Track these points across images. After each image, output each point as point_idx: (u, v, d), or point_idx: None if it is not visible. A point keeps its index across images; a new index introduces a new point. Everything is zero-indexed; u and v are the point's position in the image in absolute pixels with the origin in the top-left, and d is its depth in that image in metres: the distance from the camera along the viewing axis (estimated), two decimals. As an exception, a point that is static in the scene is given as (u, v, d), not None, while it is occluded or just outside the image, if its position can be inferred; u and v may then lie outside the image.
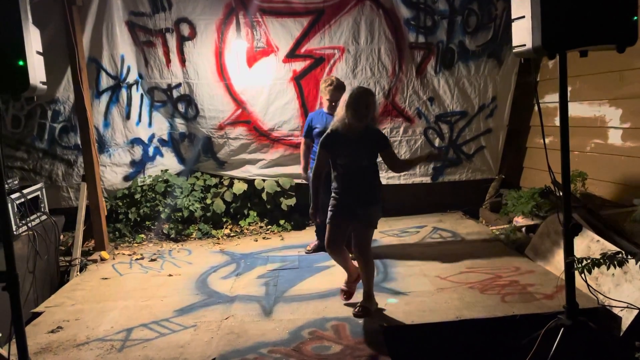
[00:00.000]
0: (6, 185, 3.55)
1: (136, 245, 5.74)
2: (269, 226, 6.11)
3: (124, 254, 5.40)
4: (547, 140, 2.96)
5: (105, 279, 4.69)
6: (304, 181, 6.18)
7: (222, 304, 3.93)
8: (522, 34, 2.55)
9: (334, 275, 4.46)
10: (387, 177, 6.21)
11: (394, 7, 5.87)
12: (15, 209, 4.20)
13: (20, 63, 2.31)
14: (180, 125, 6.12)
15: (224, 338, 3.34)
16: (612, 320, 3.32)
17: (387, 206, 5.81)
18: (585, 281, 2.76)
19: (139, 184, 6.02)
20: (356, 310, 3.58)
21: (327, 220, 3.62)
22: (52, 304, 4.14)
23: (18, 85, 2.35)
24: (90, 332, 3.56)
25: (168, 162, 6.22)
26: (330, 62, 5.95)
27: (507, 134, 6.35)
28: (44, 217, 4.64)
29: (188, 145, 6.19)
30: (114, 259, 5.29)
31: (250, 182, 6.18)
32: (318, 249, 5.04)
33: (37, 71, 2.40)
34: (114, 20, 5.58)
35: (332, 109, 4.60)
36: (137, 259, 5.21)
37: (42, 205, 4.75)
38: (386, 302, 3.59)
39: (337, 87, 4.62)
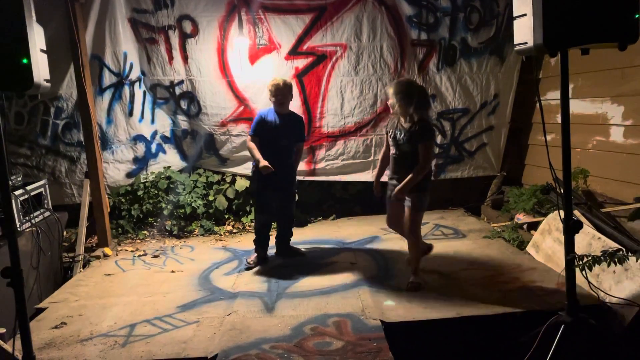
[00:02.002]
0: (10, 182, 3.57)
1: (139, 241, 5.76)
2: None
3: (126, 251, 5.43)
4: (549, 138, 2.98)
5: (109, 275, 4.71)
6: (305, 178, 6.22)
7: (225, 300, 3.96)
8: (524, 32, 2.55)
9: (336, 271, 4.48)
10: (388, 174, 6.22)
11: (396, 4, 5.87)
12: (19, 206, 4.22)
13: (24, 61, 2.33)
14: (183, 122, 6.13)
15: (226, 334, 3.36)
16: (613, 317, 3.33)
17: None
18: (586, 278, 2.77)
19: (142, 181, 6.05)
20: (408, 285, 3.97)
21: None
22: (55, 299, 4.17)
23: (22, 83, 2.37)
24: (94, 327, 3.59)
25: (170, 159, 6.24)
26: (332, 59, 5.95)
27: (509, 131, 6.35)
28: (47, 214, 4.67)
29: (190, 142, 6.21)
30: (116, 255, 5.31)
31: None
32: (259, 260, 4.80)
33: (41, 69, 2.42)
34: (117, 18, 5.59)
35: (278, 105, 4.53)
36: (139, 255, 5.24)
37: (46, 201, 4.78)
38: (384, 304, 3.63)
39: (278, 87, 4.48)
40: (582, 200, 4.69)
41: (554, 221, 4.46)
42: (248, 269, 4.65)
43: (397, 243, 5.09)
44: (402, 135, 3.83)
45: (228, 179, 6.24)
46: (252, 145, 4.55)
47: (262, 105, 5.96)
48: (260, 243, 4.82)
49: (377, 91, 6.02)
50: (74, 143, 5.81)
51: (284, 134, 4.57)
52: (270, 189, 4.62)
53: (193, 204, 5.96)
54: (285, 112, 4.59)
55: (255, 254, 4.81)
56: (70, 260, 4.97)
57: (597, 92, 5.02)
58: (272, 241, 4.98)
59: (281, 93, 4.48)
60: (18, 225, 4.15)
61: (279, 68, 5.91)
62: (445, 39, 6.01)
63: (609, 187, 4.87)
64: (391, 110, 3.94)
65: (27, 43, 2.32)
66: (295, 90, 5.94)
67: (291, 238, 5.00)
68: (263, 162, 4.39)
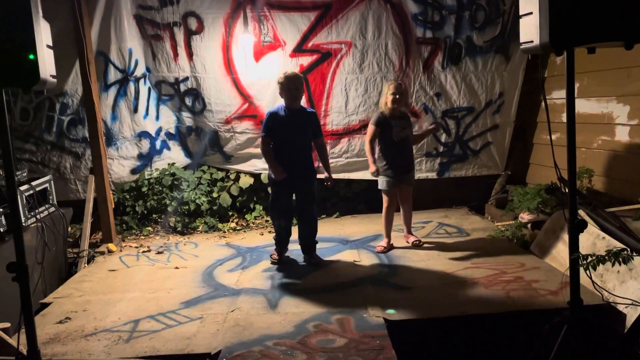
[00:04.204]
0: (15, 178, 3.58)
1: (143, 237, 5.78)
2: (275, 220, 6.14)
3: (131, 247, 5.45)
4: (554, 137, 2.96)
5: (113, 270, 4.74)
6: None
7: (228, 297, 3.97)
8: (530, 30, 2.54)
9: (339, 269, 4.49)
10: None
11: (401, 1, 5.85)
12: (24, 201, 4.24)
13: (31, 57, 2.33)
14: (187, 119, 6.14)
15: (229, 330, 3.38)
16: (617, 317, 3.32)
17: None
18: (590, 278, 2.76)
19: (146, 177, 6.06)
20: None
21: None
22: (60, 295, 4.20)
23: (28, 79, 2.36)
24: (98, 323, 3.61)
25: (175, 156, 6.25)
26: (337, 56, 5.95)
27: (514, 130, 6.33)
28: (52, 209, 4.69)
29: (195, 139, 6.22)
30: (121, 251, 5.33)
31: (256, 176, 6.20)
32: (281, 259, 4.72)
33: (47, 65, 2.42)
34: (122, 14, 5.60)
35: (291, 100, 4.39)
36: (144, 252, 5.26)
37: (51, 197, 4.79)
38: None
39: (291, 79, 4.35)
40: (586, 199, 4.67)
41: (558, 220, 4.45)
42: (273, 263, 4.65)
43: (400, 241, 5.09)
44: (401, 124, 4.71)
45: (232, 176, 6.25)
46: (267, 151, 4.44)
47: (267, 102, 5.97)
48: (280, 242, 4.70)
49: (381, 89, 5.99)
50: (79, 139, 5.83)
51: (298, 131, 4.41)
52: (288, 191, 4.53)
53: (197, 201, 5.97)
54: (297, 107, 4.42)
55: (276, 252, 4.71)
56: (75, 255, 5.00)
57: (602, 92, 5.00)
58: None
59: (295, 86, 4.32)
60: (23, 221, 4.17)
61: (283, 65, 5.90)
62: (450, 37, 5.99)
63: (614, 187, 4.85)
64: (395, 105, 4.62)
65: (33, 39, 2.33)
66: (300, 88, 5.96)
67: (315, 245, 4.71)
68: (278, 173, 4.39)
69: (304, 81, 5.89)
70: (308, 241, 4.67)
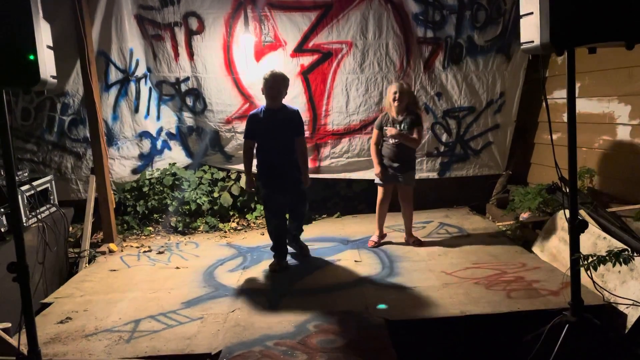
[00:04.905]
0: (16, 177, 3.58)
1: (144, 237, 5.79)
2: (276, 220, 6.14)
3: (132, 247, 5.45)
4: (555, 137, 2.96)
5: (114, 270, 4.74)
6: (310, 175, 6.21)
7: (229, 297, 3.97)
8: (531, 30, 2.54)
9: (340, 269, 4.49)
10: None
11: (402, 1, 5.85)
12: (26, 201, 4.25)
13: (31, 57, 2.33)
14: (188, 119, 6.14)
15: (230, 330, 3.38)
16: (618, 318, 3.32)
17: (394, 201, 5.83)
18: (591, 278, 2.77)
19: (147, 177, 6.06)
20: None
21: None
22: (61, 294, 4.20)
23: (29, 80, 2.37)
24: (99, 323, 3.61)
25: (176, 156, 6.25)
26: (337, 56, 5.94)
27: (515, 129, 6.32)
28: (53, 209, 4.69)
29: (196, 139, 6.22)
30: (122, 251, 5.34)
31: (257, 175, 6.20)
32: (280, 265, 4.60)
33: (47, 65, 2.42)
34: (123, 14, 5.61)
35: (270, 99, 4.36)
36: (145, 252, 5.26)
37: (52, 197, 4.80)
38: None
39: (272, 77, 4.33)
40: (587, 199, 4.67)
41: (559, 220, 4.44)
42: (273, 271, 4.51)
43: (401, 241, 5.08)
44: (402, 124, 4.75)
45: (233, 176, 6.26)
46: (244, 155, 4.58)
47: (268, 102, 5.97)
48: (278, 250, 4.60)
49: (382, 89, 6.00)
50: (80, 139, 5.84)
51: (279, 131, 4.39)
52: (276, 191, 4.49)
53: (198, 201, 5.98)
54: (277, 107, 4.40)
55: (276, 261, 4.60)
56: (76, 255, 5.00)
57: (604, 91, 4.99)
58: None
59: (276, 86, 4.31)
60: (24, 221, 4.17)
61: (284, 65, 5.89)
62: (451, 37, 5.98)
63: (615, 187, 4.84)
64: (396, 103, 4.68)
65: (34, 39, 2.33)
66: (301, 88, 5.97)
67: (301, 234, 4.99)
68: (248, 183, 4.69)
69: (305, 81, 5.93)
70: (296, 232, 4.91)
